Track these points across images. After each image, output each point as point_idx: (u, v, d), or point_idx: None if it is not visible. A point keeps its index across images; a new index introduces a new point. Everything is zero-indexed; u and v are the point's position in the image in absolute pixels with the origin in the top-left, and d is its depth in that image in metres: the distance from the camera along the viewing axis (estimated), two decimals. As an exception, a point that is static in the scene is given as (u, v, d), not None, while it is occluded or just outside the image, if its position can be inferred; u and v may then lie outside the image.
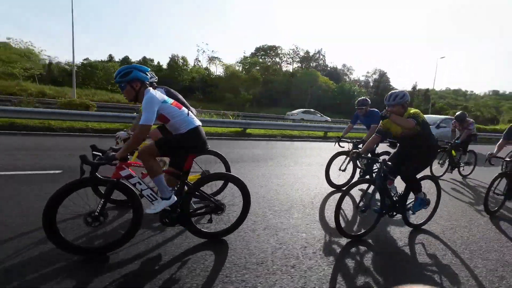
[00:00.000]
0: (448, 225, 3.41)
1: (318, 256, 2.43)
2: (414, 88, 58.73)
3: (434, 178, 3.37)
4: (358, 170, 4.69)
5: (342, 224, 2.80)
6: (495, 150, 3.90)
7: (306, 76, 45.72)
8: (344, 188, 2.87)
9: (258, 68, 47.17)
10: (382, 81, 59.41)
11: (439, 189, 3.34)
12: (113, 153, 2.05)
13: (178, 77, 39.44)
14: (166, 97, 2.26)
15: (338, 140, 4.67)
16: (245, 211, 2.64)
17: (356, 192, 3.98)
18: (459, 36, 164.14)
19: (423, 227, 3.25)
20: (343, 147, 4.57)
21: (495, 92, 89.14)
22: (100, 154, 2.16)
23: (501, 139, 4.06)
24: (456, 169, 6.13)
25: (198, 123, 2.38)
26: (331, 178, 4.46)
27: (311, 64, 56.42)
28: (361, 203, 2.90)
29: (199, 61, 49.29)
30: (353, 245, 2.71)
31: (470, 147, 6.42)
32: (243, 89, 39.76)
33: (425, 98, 52.93)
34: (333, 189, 4.44)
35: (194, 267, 2.12)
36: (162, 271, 2.05)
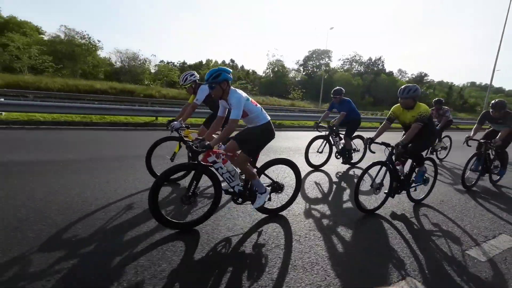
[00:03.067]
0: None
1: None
2: (450, 87, 64.32)
3: (433, 160, 3.99)
4: (334, 151, 5.46)
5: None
6: (472, 133, 4.57)
7: (387, 80, 56.31)
8: (362, 170, 3.30)
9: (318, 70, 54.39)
10: (421, 80, 64.88)
11: (436, 169, 4.03)
12: (208, 142, 2.36)
13: (282, 81, 47.91)
14: (247, 95, 2.62)
15: (317, 126, 5.32)
16: (297, 191, 3.17)
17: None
18: (435, 28, 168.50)
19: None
20: (321, 131, 5.35)
21: (473, 84, 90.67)
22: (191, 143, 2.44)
23: (476, 124, 4.75)
24: (434, 153, 7.01)
25: (269, 117, 2.79)
26: (309, 159, 5.14)
27: (374, 69, 64.00)
28: (374, 184, 3.43)
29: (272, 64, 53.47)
30: (368, 219, 3.27)
31: (445, 133, 7.23)
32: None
33: (459, 96, 59.47)
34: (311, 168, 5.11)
35: (267, 237, 2.59)
36: (245, 240, 2.49)
